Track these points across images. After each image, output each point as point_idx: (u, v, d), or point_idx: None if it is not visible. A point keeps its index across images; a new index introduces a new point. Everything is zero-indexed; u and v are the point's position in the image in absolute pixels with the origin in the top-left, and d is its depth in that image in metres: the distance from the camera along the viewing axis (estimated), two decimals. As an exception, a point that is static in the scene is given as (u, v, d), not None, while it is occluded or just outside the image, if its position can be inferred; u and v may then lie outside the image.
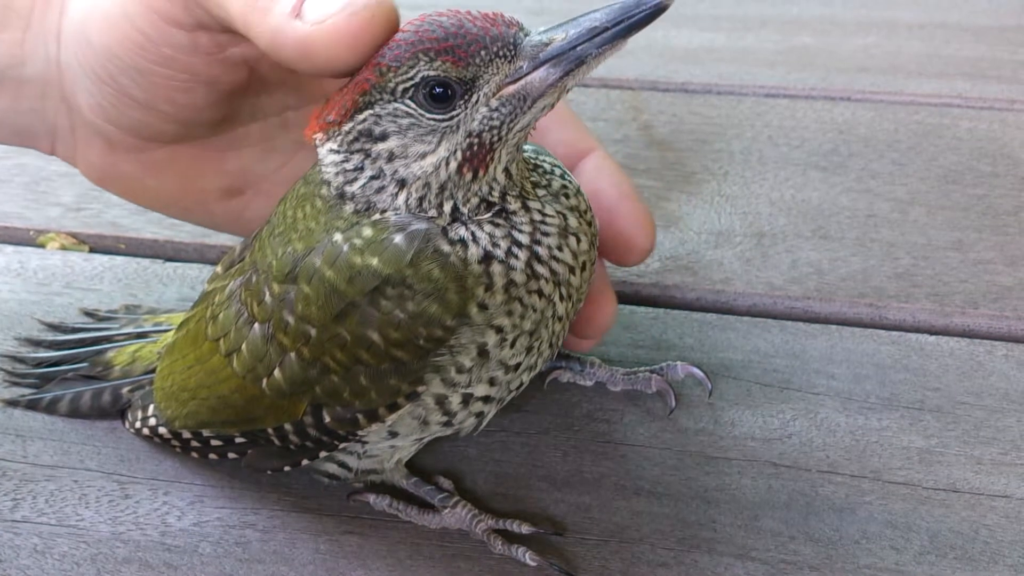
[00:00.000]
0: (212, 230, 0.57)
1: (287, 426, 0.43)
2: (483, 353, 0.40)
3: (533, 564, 0.44)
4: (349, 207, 0.41)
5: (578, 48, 0.38)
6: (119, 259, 0.64)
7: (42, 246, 0.66)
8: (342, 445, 0.44)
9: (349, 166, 0.40)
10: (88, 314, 0.58)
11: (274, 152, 0.53)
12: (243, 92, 0.49)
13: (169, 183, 0.52)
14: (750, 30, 0.93)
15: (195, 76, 0.46)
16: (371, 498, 0.47)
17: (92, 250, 0.65)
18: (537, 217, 0.41)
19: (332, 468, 0.46)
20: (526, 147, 0.44)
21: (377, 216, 0.40)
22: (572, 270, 0.42)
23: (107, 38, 0.45)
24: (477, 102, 0.38)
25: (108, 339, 0.54)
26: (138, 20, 0.44)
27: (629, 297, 0.61)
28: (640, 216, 0.48)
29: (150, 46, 0.45)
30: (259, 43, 0.42)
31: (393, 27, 0.39)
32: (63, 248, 0.65)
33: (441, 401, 0.42)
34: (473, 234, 0.40)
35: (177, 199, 0.53)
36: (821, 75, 0.84)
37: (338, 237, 0.40)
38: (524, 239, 0.41)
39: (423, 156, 0.39)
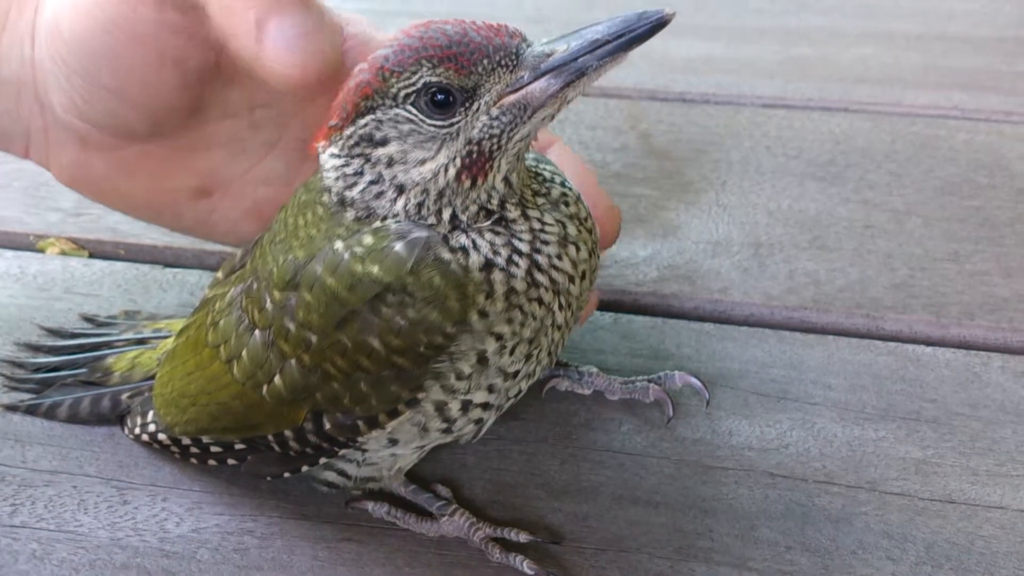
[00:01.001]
0: (179, 234, 0.57)
1: (287, 432, 0.43)
2: (483, 360, 0.41)
3: (531, 572, 0.44)
4: (350, 214, 0.41)
5: (579, 60, 0.38)
6: (119, 265, 0.64)
7: (42, 251, 0.66)
8: (342, 452, 0.44)
9: (349, 170, 0.41)
10: (88, 319, 0.58)
11: (243, 153, 0.53)
12: (211, 80, 0.49)
13: (140, 184, 0.53)
14: (748, 41, 0.93)
15: (163, 55, 0.47)
16: (369, 505, 0.47)
17: (92, 255, 0.65)
18: (536, 226, 0.41)
19: (331, 476, 0.46)
20: (527, 155, 0.44)
21: (378, 224, 0.40)
22: (571, 279, 0.43)
23: (78, 26, 0.46)
24: (478, 110, 0.39)
25: (107, 345, 0.55)
26: (104, 2, 0.45)
27: (627, 306, 0.61)
28: (603, 200, 0.50)
29: (121, 25, 0.45)
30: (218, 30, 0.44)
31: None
32: (63, 253, 0.65)
33: (441, 408, 0.42)
34: (474, 242, 0.40)
35: (147, 200, 0.54)
36: (819, 86, 0.84)
37: (339, 245, 0.40)
38: (524, 247, 0.41)
39: (422, 162, 0.39)
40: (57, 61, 0.47)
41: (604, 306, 0.60)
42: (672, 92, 0.84)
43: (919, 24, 0.96)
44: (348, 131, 0.40)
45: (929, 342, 0.57)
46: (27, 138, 0.52)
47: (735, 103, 0.82)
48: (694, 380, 0.52)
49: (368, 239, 0.40)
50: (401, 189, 0.40)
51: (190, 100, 0.50)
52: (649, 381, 0.53)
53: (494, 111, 0.39)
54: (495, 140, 0.39)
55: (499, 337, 0.41)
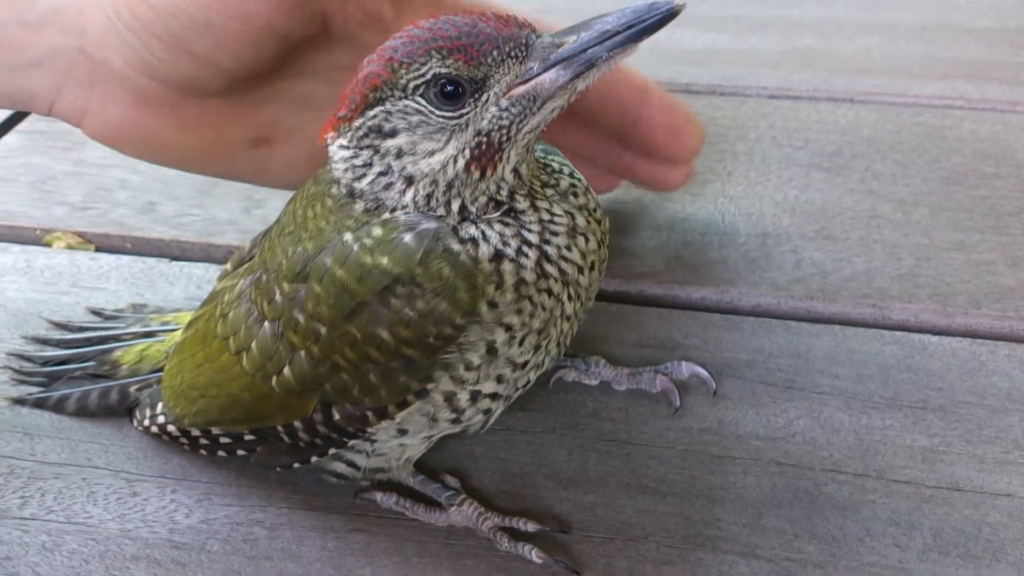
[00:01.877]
0: (228, 179, 0.56)
1: (297, 424, 0.43)
2: (492, 351, 0.41)
3: (539, 561, 0.44)
4: (359, 206, 0.41)
5: (589, 51, 0.38)
6: (125, 258, 0.64)
7: (48, 245, 0.66)
8: (351, 443, 0.44)
9: (358, 162, 0.41)
10: (95, 313, 0.58)
11: (311, 107, 0.52)
12: (305, 46, 0.49)
13: (195, 136, 0.51)
14: (753, 32, 0.93)
15: (271, 31, 0.46)
16: (378, 496, 0.47)
17: (98, 249, 0.66)
18: (546, 216, 0.42)
19: (341, 467, 0.46)
20: (535, 146, 0.44)
21: (387, 215, 0.40)
22: (581, 270, 0.43)
23: None
24: (487, 101, 0.39)
25: (115, 338, 0.55)
26: None
27: (634, 297, 0.61)
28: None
29: (237, 1, 0.44)
30: None
31: None
32: (69, 247, 0.66)
33: (450, 398, 0.42)
34: (483, 233, 0.40)
35: (200, 152, 0.52)
36: (824, 76, 0.84)
37: (348, 237, 0.40)
38: (534, 238, 0.41)
39: (431, 153, 0.39)
40: (133, 24, 0.45)
41: (610, 297, 0.60)
42: (677, 83, 0.84)
43: (922, 15, 0.95)
44: (357, 122, 0.40)
45: (935, 331, 0.57)
46: (56, 92, 0.49)
47: (740, 94, 0.82)
48: (701, 370, 0.52)
49: (377, 231, 0.40)
50: (410, 180, 0.40)
51: (279, 65, 0.49)
52: (656, 371, 0.53)
53: (503, 102, 0.39)
54: (504, 131, 0.39)
55: (508, 328, 0.41)
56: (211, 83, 0.48)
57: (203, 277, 0.62)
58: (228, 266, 0.50)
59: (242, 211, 0.68)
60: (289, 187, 0.53)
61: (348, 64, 0.50)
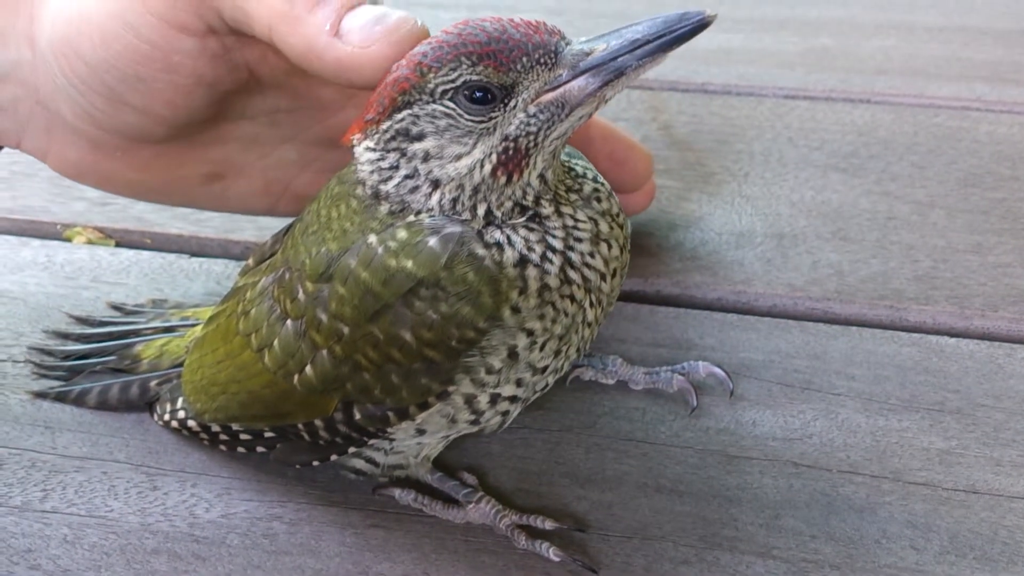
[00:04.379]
0: (191, 208, 0.58)
1: (317, 422, 0.44)
2: (513, 355, 0.41)
3: (556, 559, 0.44)
4: (384, 207, 0.41)
5: (618, 59, 0.38)
6: (145, 254, 0.65)
7: (68, 240, 0.66)
8: (371, 442, 0.44)
9: (384, 164, 0.41)
10: (115, 308, 0.59)
11: (258, 146, 0.54)
12: (239, 92, 0.50)
13: (151, 175, 0.53)
14: (769, 32, 0.93)
15: (199, 80, 0.47)
16: (396, 492, 0.47)
17: (118, 244, 0.66)
18: (570, 223, 0.42)
19: (360, 464, 0.47)
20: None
21: (412, 218, 0.40)
22: (603, 276, 0.43)
23: (105, 52, 0.46)
24: (515, 107, 0.39)
25: (135, 333, 0.55)
26: (144, 30, 0.45)
27: (650, 297, 0.61)
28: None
29: (157, 54, 0.45)
30: (288, 53, 0.43)
31: (423, 39, 0.41)
32: (89, 242, 0.66)
33: (470, 400, 0.42)
34: (509, 237, 0.40)
35: (159, 187, 0.55)
36: (840, 77, 0.84)
37: (373, 239, 0.40)
38: (558, 244, 0.41)
39: (458, 157, 0.40)
40: (73, 80, 0.47)
41: (627, 297, 0.60)
42: (693, 83, 0.84)
43: (939, 16, 0.95)
44: (384, 125, 0.40)
45: (952, 333, 0.57)
46: (21, 134, 0.52)
47: (757, 94, 0.82)
48: (718, 370, 0.52)
49: (402, 233, 0.40)
50: (436, 184, 0.40)
51: (215, 111, 0.50)
52: (673, 371, 0.53)
53: (531, 108, 0.39)
54: (532, 137, 0.39)
55: (530, 333, 0.41)
56: (153, 131, 0.50)
57: (222, 273, 0.63)
58: (250, 261, 0.51)
59: (260, 208, 0.68)
60: (251, 214, 0.58)
61: (287, 107, 0.52)
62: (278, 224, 0.53)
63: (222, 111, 0.51)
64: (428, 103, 0.39)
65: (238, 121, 0.53)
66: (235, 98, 0.51)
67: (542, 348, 0.42)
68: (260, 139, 0.54)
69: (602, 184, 0.44)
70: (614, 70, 0.38)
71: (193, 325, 0.53)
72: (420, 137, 0.40)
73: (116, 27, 0.45)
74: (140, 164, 0.52)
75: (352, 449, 0.45)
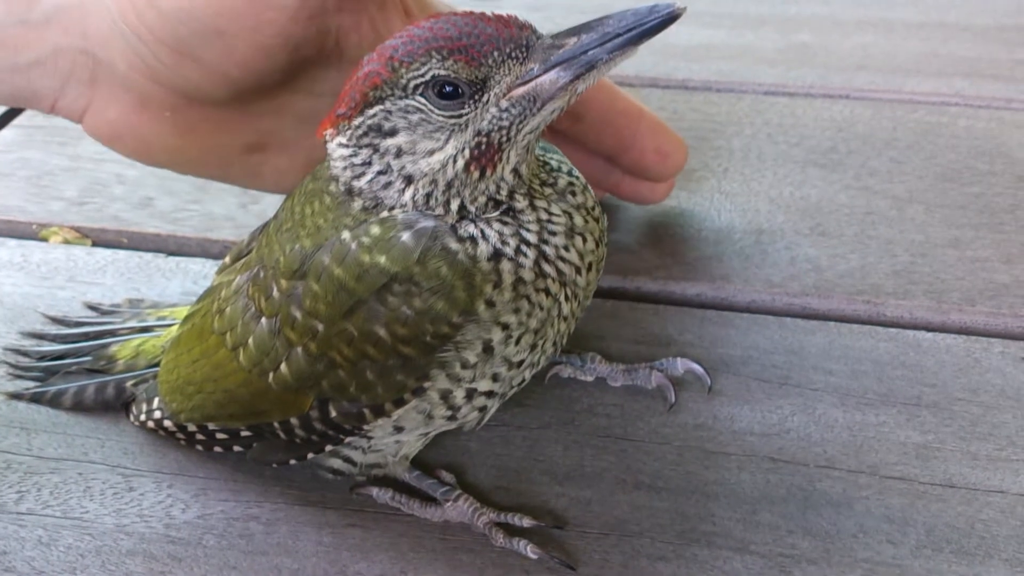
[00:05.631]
0: (219, 182, 0.56)
1: (293, 420, 0.43)
2: (488, 349, 0.41)
3: (534, 557, 0.44)
4: (357, 204, 0.41)
5: (589, 53, 0.38)
6: (122, 253, 0.64)
7: (45, 240, 0.66)
8: (347, 440, 0.44)
9: (357, 160, 0.41)
10: (91, 308, 0.58)
11: (312, 121, 0.51)
12: (315, 63, 0.48)
13: (192, 141, 0.51)
14: (749, 28, 0.93)
15: (285, 41, 0.45)
16: (374, 491, 0.47)
17: (95, 244, 0.66)
18: (544, 216, 0.42)
19: (337, 464, 0.46)
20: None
21: (385, 214, 0.40)
22: (578, 270, 0.43)
23: (187, 3, 0.43)
24: (487, 102, 0.39)
25: (111, 333, 0.55)
26: None
27: (630, 293, 0.61)
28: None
29: (249, 9, 0.43)
30: None
31: None
32: (66, 242, 0.65)
33: (445, 396, 0.42)
34: (483, 231, 0.40)
35: (195, 156, 0.52)
36: (820, 73, 0.84)
37: (346, 235, 0.40)
38: (532, 238, 0.41)
39: (431, 153, 0.40)
40: (139, 28, 0.45)
41: (606, 293, 0.60)
42: (674, 79, 0.84)
43: (918, 12, 0.96)
44: (356, 121, 0.40)
45: (930, 328, 0.57)
46: (59, 91, 0.49)
47: (736, 90, 0.82)
48: (696, 366, 0.53)
49: (375, 229, 0.40)
50: (409, 180, 0.40)
51: (284, 79, 0.49)
52: (651, 368, 0.53)
53: (504, 103, 0.39)
54: (504, 132, 0.39)
55: (505, 327, 0.41)
56: (215, 91, 0.48)
57: (199, 272, 0.62)
58: (227, 259, 0.50)
59: (239, 207, 0.68)
60: (280, 192, 0.54)
61: None
62: (256, 222, 0.53)
63: (289, 81, 0.49)
64: (400, 98, 0.39)
65: (301, 95, 0.51)
66: (309, 69, 0.49)
67: (517, 342, 0.42)
68: (317, 117, 0.51)
69: (577, 178, 0.44)
70: (585, 63, 0.38)
71: (170, 325, 0.53)
72: (392, 133, 0.40)
73: None
74: (185, 127, 0.50)
75: (329, 447, 0.45)
